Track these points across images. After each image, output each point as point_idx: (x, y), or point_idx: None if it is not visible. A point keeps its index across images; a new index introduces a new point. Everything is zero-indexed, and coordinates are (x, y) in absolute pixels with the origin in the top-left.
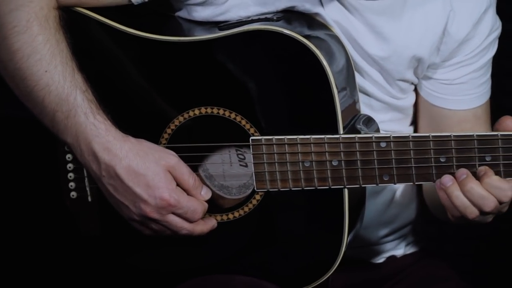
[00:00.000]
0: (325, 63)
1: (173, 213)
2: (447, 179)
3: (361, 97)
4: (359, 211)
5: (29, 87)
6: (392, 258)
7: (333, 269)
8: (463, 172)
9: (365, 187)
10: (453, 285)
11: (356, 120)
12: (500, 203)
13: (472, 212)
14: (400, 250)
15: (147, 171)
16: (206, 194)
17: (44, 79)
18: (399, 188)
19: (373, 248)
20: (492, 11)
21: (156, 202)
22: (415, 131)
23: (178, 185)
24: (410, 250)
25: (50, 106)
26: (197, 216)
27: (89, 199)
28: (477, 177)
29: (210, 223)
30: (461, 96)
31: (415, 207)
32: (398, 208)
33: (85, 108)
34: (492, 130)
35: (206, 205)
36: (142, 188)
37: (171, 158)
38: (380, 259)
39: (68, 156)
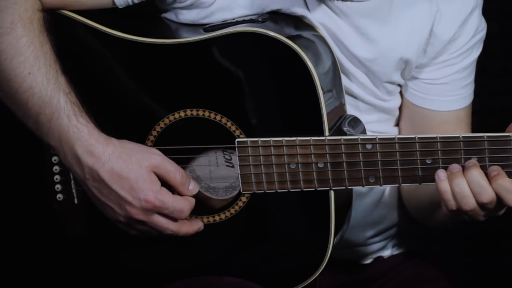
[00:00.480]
0: (310, 64)
1: (159, 214)
2: (455, 165)
3: (348, 99)
4: (346, 212)
5: (13, 89)
6: (379, 259)
7: (320, 270)
8: (471, 162)
9: (351, 188)
10: (440, 285)
11: (342, 121)
12: (503, 205)
13: (468, 203)
14: (387, 251)
15: (130, 174)
16: (193, 188)
17: (27, 81)
18: (386, 189)
19: (360, 249)
20: (478, 12)
21: (141, 204)
22: (399, 132)
23: (165, 182)
24: (397, 251)
25: (33, 108)
26: (183, 215)
27: (76, 201)
28: (489, 176)
29: (196, 226)
30: (444, 97)
31: (402, 208)
32: (385, 209)
33: (68, 110)
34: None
35: (193, 201)
36: (127, 191)
37: (154, 158)
38: (367, 260)
39: (54, 159)
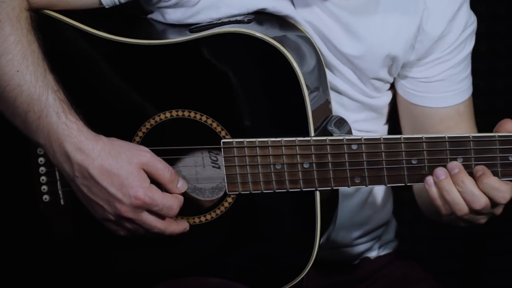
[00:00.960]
0: (295, 65)
1: (148, 211)
2: (440, 172)
3: (332, 95)
4: (332, 213)
5: (1, 87)
6: (366, 259)
7: (306, 271)
8: (455, 166)
9: (337, 189)
10: (427, 286)
11: (328, 121)
12: (495, 204)
13: (461, 209)
14: (374, 251)
15: (120, 171)
16: (182, 186)
17: (15, 79)
18: (373, 189)
19: (347, 249)
20: (466, 6)
21: (131, 201)
22: (398, 132)
23: (154, 180)
24: (383, 251)
25: (22, 106)
26: (172, 212)
27: (62, 202)
28: (474, 176)
29: (182, 226)
30: (441, 93)
31: (389, 209)
32: (371, 210)
33: (57, 108)
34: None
35: (182, 198)
36: (116, 188)
37: (144, 155)
38: (354, 261)
39: (40, 160)
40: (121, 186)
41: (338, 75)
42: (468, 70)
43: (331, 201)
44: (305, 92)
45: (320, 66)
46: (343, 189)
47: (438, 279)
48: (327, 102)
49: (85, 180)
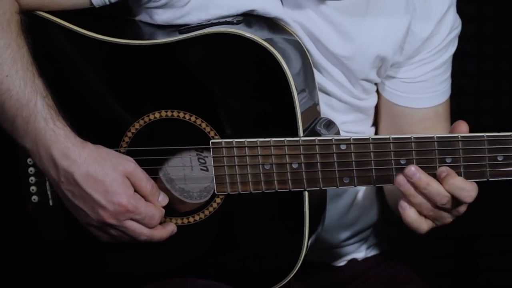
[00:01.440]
0: (284, 65)
1: (131, 219)
2: (401, 180)
3: (321, 96)
4: (320, 214)
5: None
6: (353, 261)
7: (294, 273)
8: (414, 171)
9: (326, 189)
10: (415, 287)
11: (317, 123)
12: (461, 203)
13: (427, 208)
14: (361, 253)
15: (105, 177)
16: (163, 200)
17: (5, 83)
18: (360, 190)
19: (334, 251)
20: (453, 9)
21: (114, 208)
22: (376, 132)
23: (135, 191)
24: (371, 253)
25: (10, 111)
26: (154, 222)
27: (50, 203)
28: (438, 178)
29: (169, 228)
30: (423, 94)
31: (376, 210)
32: (359, 211)
33: (45, 113)
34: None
35: (163, 211)
36: (100, 194)
37: (129, 164)
38: (341, 262)
39: (29, 160)
40: (105, 192)
41: (327, 76)
42: (448, 73)
43: (319, 202)
44: (294, 92)
45: (308, 68)
46: (331, 190)
47: (426, 280)
48: (315, 104)
49: (70, 186)
